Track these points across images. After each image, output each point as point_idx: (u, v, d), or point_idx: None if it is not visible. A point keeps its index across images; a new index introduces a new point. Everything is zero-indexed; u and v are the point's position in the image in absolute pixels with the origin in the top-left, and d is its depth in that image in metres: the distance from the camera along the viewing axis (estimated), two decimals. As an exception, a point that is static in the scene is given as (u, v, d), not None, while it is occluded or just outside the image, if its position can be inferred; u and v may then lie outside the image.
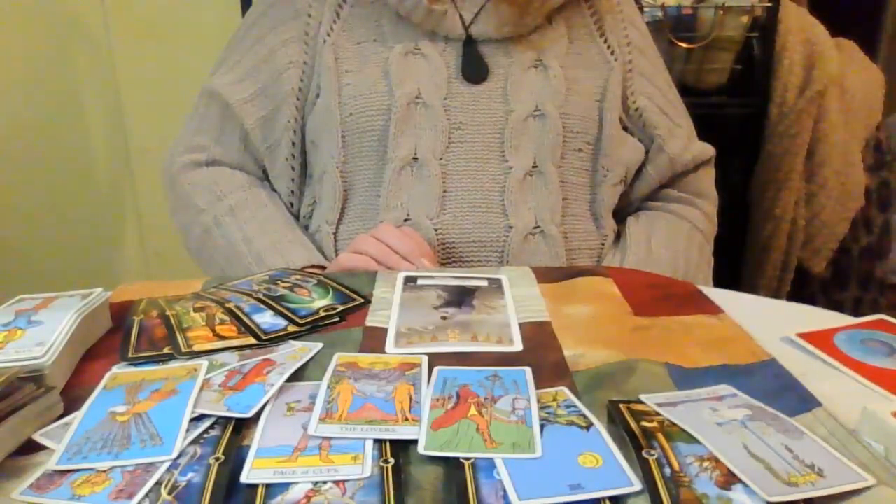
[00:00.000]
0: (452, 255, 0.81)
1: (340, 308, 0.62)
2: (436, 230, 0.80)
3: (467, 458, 0.42)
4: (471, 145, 0.81)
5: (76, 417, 0.47)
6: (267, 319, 0.60)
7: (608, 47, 0.89)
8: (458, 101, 0.82)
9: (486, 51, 0.84)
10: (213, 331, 0.58)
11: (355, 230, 0.83)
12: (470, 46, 0.84)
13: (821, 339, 0.57)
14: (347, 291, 0.66)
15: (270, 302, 0.62)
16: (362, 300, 0.64)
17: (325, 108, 0.84)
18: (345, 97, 0.83)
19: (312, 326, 0.59)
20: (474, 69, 0.83)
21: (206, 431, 0.45)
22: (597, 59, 0.88)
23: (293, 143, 0.88)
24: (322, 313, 0.61)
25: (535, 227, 0.81)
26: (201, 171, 0.91)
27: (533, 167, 0.82)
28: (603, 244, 0.87)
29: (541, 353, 0.56)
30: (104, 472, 0.42)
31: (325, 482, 0.41)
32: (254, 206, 0.87)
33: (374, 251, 0.75)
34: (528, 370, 0.52)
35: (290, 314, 0.60)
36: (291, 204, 0.91)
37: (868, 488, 0.40)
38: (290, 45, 0.86)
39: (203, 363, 0.52)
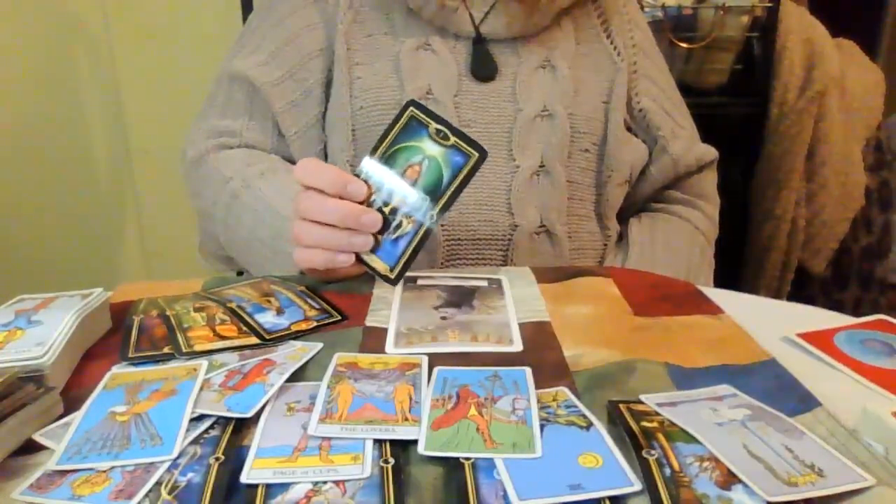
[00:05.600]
0: (457, 253, 0.81)
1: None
2: (442, 227, 0.80)
3: (467, 458, 0.42)
4: None
5: (76, 417, 0.47)
6: (269, 319, 0.60)
7: (615, 48, 0.88)
8: (468, 98, 0.82)
9: (495, 50, 0.84)
10: (214, 331, 0.58)
11: None
12: (479, 45, 0.84)
13: (821, 339, 0.57)
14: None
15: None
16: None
17: (337, 101, 0.83)
18: (356, 90, 0.82)
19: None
20: (483, 67, 0.83)
21: (206, 431, 0.45)
22: (603, 60, 0.88)
23: (323, 140, 0.86)
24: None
25: (541, 227, 0.81)
26: (233, 150, 0.87)
27: (540, 167, 0.81)
28: (606, 245, 0.87)
29: (541, 353, 0.56)
30: (104, 472, 0.42)
31: (325, 482, 0.41)
32: (287, 171, 0.83)
33: (318, 237, 0.65)
34: (528, 370, 0.52)
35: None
36: None
37: (868, 488, 0.40)
38: (315, 30, 0.85)
39: (203, 363, 0.52)
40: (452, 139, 0.63)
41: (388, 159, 0.64)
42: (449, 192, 0.63)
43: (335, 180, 0.63)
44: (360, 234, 0.63)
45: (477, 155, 0.63)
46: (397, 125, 0.64)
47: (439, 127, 0.63)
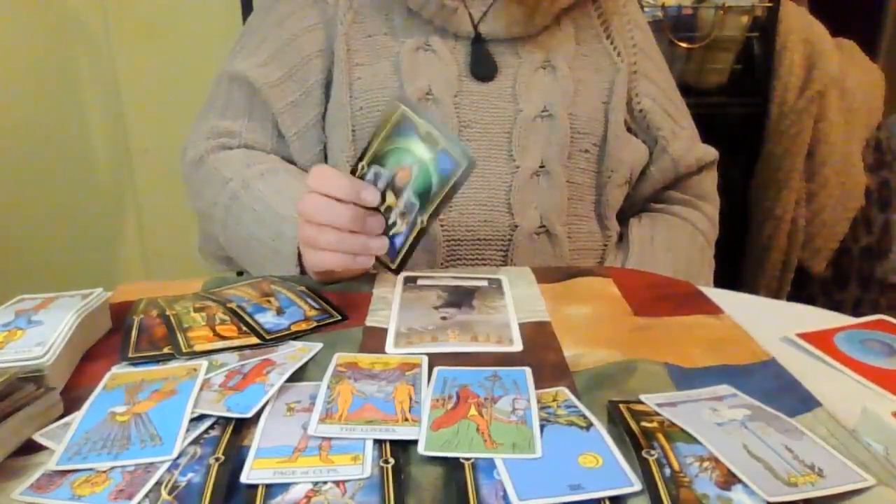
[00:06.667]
0: (457, 253, 0.81)
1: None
2: (442, 227, 0.80)
3: (467, 459, 0.42)
4: (479, 143, 0.81)
5: (76, 417, 0.47)
6: (269, 319, 0.60)
7: (615, 49, 0.88)
8: (468, 99, 0.82)
9: (495, 50, 0.84)
10: (214, 331, 0.58)
11: None
12: (478, 45, 0.84)
13: (821, 339, 0.57)
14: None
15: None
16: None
17: (337, 102, 0.83)
18: (356, 91, 0.82)
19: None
20: (483, 67, 0.83)
21: (206, 431, 0.45)
22: (603, 60, 0.88)
23: (322, 140, 0.87)
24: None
25: (541, 227, 0.81)
26: (232, 151, 0.87)
27: (540, 167, 0.82)
28: (606, 245, 0.87)
29: (541, 353, 0.56)
30: (104, 472, 0.42)
31: (325, 482, 0.41)
32: (286, 171, 0.83)
33: (334, 241, 0.65)
34: (528, 370, 0.52)
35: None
36: None
37: (868, 488, 0.40)
38: (315, 31, 0.85)
39: (203, 363, 0.52)
40: (442, 143, 0.62)
41: (378, 160, 0.64)
42: (438, 200, 0.62)
43: (349, 188, 0.64)
44: (376, 239, 0.64)
45: (465, 165, 0.61)
46: (387, 125, 0.64)
47: (430, 130, 0.62)
